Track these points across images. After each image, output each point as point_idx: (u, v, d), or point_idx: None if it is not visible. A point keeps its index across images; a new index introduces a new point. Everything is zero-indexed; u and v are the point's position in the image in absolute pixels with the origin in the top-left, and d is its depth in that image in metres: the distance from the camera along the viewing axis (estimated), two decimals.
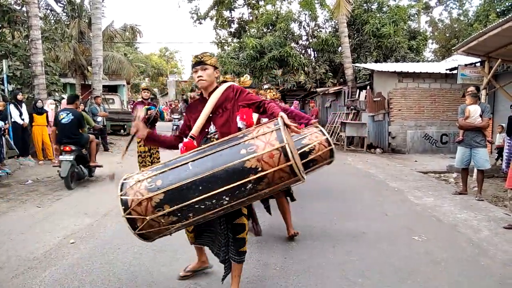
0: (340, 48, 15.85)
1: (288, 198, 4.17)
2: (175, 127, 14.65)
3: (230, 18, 23.08)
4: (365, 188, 6.70)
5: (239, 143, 2.21)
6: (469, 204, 5.52)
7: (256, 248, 3.71)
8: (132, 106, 7.53)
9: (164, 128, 14.10)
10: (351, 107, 14.15)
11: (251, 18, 22.00)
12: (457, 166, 6.33)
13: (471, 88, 6.01)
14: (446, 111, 11.73)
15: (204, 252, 3.10)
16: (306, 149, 3.80)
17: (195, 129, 2.58)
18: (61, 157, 6.39)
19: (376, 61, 15.28)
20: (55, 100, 10.97)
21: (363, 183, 7.21)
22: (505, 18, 6.29)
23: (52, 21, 17.65)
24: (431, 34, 23.42)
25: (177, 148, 2.82)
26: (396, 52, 15.68)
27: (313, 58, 17.83)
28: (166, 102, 34.52)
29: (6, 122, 8.23)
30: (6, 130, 8.24)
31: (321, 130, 4.01)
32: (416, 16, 18.90)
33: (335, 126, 15.00)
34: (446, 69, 11.00)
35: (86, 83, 19.72)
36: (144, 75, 42.73)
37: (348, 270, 3.28)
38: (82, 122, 6.74)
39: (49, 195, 6.02)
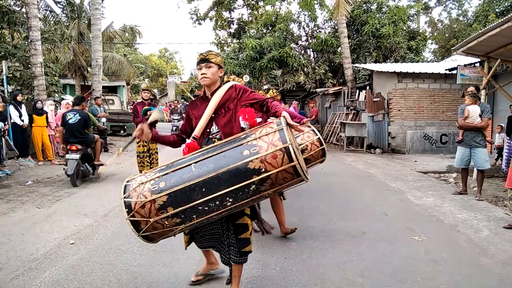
0: (339, 48, 15.85)
1: (281, 196, 4.18)
2: (174, 128, 14.64)
3: (229, 19, 23.07)
4: (365, 188, 6.70)
5: (242, 144, 2.19)
6: (469, 204, 5.52)
7: (256, 248, 3.70)
8: (132, 107, 7.54)
9: (164, 129, 14.12)
10: (351, 108, 14.16)
11: (250, 18, 21.99)
12: (456, 166, 6.33)
13: (471, 88, 6.01)
14: (445, 111, 11.75)
15: (212, 253, 3.02)
16: None
17: (197, 130, 2.56)
18: (67, 156, 6.67)
19: (375, 62, 15.29)
20: (54, 101, 10.99)
21: (363, 183, 7.21)
22: (504, 19, 6.30)
23: (52, 22, 17.66)
24: (431, 34, 23.43)
25: (178, 146, 2.81)
26: (396, 53, 15.69)
27: (313, 59, 17.83)
28: (166, 103, 34.52)
29: (6, 123, 8.23)
30: (6, 131, 8.24)
31: (313, 130, 4.03)
32: (415, 16, 18.90)
33: (334, 127, 15.02)
34: (446, 69, 11.01)
35: (86, 84, 19.75)
36: (143, 76, 42.75)
37: (348, 270, 3.28)
38: (88, 123, 7.05)
39: (49, 196, 6.02)
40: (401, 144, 11.71)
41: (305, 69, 16.96)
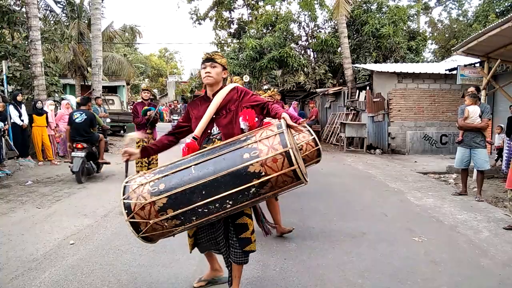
0: (339, 48, 15.85)
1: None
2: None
3: (229, 19, 23.08)
4: (364, 189, 6.70)
5: (242, 147, 2.19)
6: (469, 205, 5.52)
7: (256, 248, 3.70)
8: (132, 107, 7.57)
9: (164, 129, 14.10)
10: (351, 108, 14.15)
11: (250, 18, 21.99)
12: (456, 166, 6.33)
13: (471, 89, 6.01)
14: (445, 112, 11.75)
15: (216, 259, 3.00)
16: None
17: (197, 130, 2.56)
18: (73, 154, 6.96)
19: (375, 62, 15.29)
20: (54, 101, 10.98)
21: (363, 183, 7.21)
22: (504, 19, 6.29)
23: (52, 22, 17.67)
24: (431, 34, 23.43)
25: (173, 145, 2.81)
26: (396, 53, 15.69)
27: (313, 59, 17.83)
28: (166, 103, 34.52)
29: (6, 123, 8.23)
30: (6, 131, 8.24)
31: (308, 130, 4.03)
32: (415, 16, 18.91)
33: (334, 127, 15.01)
34: (446, 70, 11.00)
35: (86, 84, 19.75)
36: (143, 76, 42.74)
37: (347, 271, 3.28)
38: (94, 122, 7.39)
39: (49, 196, 6.02)
40: (401, 144, 11.71)
41: (305, 69, 16.96)
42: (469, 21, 21.19)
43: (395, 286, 3.04)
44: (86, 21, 18.37)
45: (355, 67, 14.75)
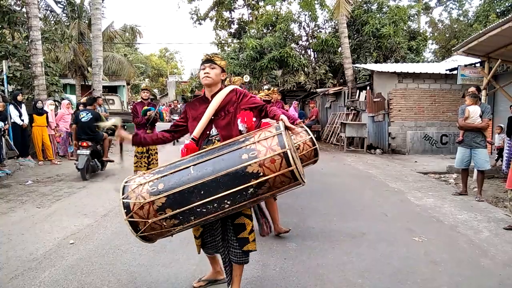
0: (340, 48, 15.84)
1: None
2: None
3: (230, 19, 23.08)
4: (365, 189, 6.70)
5: (241, 148, 2.21)
6: (469, 205, 5.52)
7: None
8: (132, 106, 7.61)
9: (163, 129, 14.09)
10: (351, 108, 14.15)
11: (251, 18, 22.00)
12: (457, 166, 6.32)
13: (472, 89, 6.00)
14: (446, 112, 11.74)
15: (218, 262, 3.00)
16: None
17: (196, 131, 2.59)
18: (78, 152, 7.27)
19: (376, 62, 15.28)
20: (55, 100, 10.98)
21: (363, 183, 7.20)
22: (505, 19, 6.29)
23: (52, 22, 17.67)
24: (431, 34, 23.43)
25: (168, 142, 2.85)
26: (396, 53, 15.68)
27: (313, 59, 17.83)
28: (166, 103, 34.52)
29: (6, 122, 8.24)
30: (6, 131, 8.24)
31: (306, 130, 4.02)
32: (416, 16, 18.90)
33: (335, 127, 15.01)
34: (446, 70, 10.99)
35: (86, 83, 19.77)
36: (144, 76, 42.75)
37: (347, 271, 3.28)
38: (99, 121, 7.49)
39: (49, 195, 6.02)
40: (401, 144, 11.70)
41: (306, 69, 16.95)
42: (469, 21, 21.20)
43: (395, 286, 3.03)
44: (87, 21, 18.38)
45: (356, 67, 14.74)
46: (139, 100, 7.14)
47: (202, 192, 2.16)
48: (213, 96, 2.63)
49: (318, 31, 17.78)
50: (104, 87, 17.13)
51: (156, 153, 6.96)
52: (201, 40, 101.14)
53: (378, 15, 15.82)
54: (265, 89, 17.54)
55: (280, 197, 4.92)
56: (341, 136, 12.98)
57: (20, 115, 8.77)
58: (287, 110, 8.82)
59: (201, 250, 2.78)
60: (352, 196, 6.18)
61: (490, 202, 5.75)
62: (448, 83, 11.60)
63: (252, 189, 2.16)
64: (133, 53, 35.47)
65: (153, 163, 6.91)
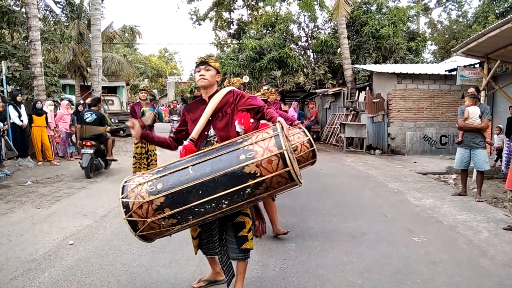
0: (339, 49, 15.86)
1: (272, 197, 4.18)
2: (174, 129, 14.60)
3: (229, 19, 23.10)
4: (364, 189, 6.70)
5: (238, 148, 2.25)
6: (469, 205, 5.52)
7: (255, 249, 3.67)
8: (130, 107, 7.65)
9: (163, 129, 14.09)
10: (351, 108, 14.15)
11: (250, 19, 22.01)
12: (456, 167, 6.33)
13: (471, 90, 6.01)
14: (445, 112, 11.75)
15: (217, 262, 2.97)
16: None
17: (195, 132, 2.62)
18: (82, 151, 7.49)
19: (375, 62, 15.30)
20: (54, 101, 10.97)
21: (362, 184, 7.20)
22: (504, 20, 6.30)
23: (51, 22, 17.67)
24: (430, 35, 23.47)
25: (172, 149, 2.84)
26: (395, 53, 15.70)
27: (312, 59, 17.84)
28: (165, 104, 34.50)
29: (5, 123, 8.23)
30: (5, 131, 8.23)
31: (304, 131, 4.02)
32: (415, 17, 18.93)
33: (334, 127, 15.01)
34: (445, 70, 11.01)
35: (86, 84, 19.77)
36: (143, 76, 42.74)
37: (347, 271, 3.28)
38: (103, 122, 7.90)
39: (48, 196, 6.01)
40: (401, 145, 11.71)
41: (305, 69, 16.97)
42: (468, 22, 21.25)
43: (395, 287, 3.03)
44: (86, 22, 18.38)
45: (355, 67, 14.76)
46: (137, 101, 7.14)
47: (200, 192, 2.19)
48: (210, 97, 2.67)
49: (317, 31, 17.80)
50: (103, 87, 17.15)
51: (155, 154, 6.96)
52: (201, 40, 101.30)
53: (377, 16, 15.84)
54: (265, 89, 17.54)
55: (280, 198, 4.92)
56: (340, 137, 12.99)
57: (20, 116, 8.76)
58: (286, 111, 8.82)
59: (198, 250, 2.80)
60: (352, 196, 6.18)
61: (490, 202, 5.75)
62: (448, 84, 11.62)
63: (249, 189, 2.19)
64: (132, 54, 35.48)
65: (152, 163, 6.91)
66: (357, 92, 14.14)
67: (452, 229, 4.49)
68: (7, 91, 9.81)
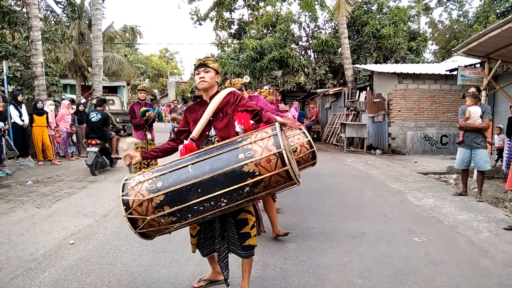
0: (340, 49, 15.84)
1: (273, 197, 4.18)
2: (175, 129, 14.58)
3: (230, 19, 23.08)
4: (365, 189, 6.69)
5: (238, 148, 2.27)
6: (469, 205, 5.52)
7: (255, 249, 3.70)
8: (129, 107, 7.67)
9: (163, 129, 14.10)
10: (351, 108, 14.14)
11: (251, 19, 21.99)
12: (457, 167, 6.32)
13: (472, 89, 6.00)
14: (446, 112, 11.73)
15: (217, 262, 3.02)
16: None
17: (195, 132, 2.64)
18: (88, 149, 7.83)
19: (376, 62, 15.28)
20: (55, 101, 10.98)
21: (363, 184, 7.20)
22: (505, 19, 6.29)
23: (52, 22, 17.69)
24: (431, 35, 23.45)
25: (175, 151, 2.84)
26: (396, 53, 15.68)
27: (313, 59, 17.82)
28: (166, 103, 34.53)
29: (6, 123, 8.24)
30: (6, 131, 8.25)
31: (304, 132, 4.02)
32: (416, 17, 18.90)
33: (335, 127, 15.01)
34: (446, 70, 10.99)
35: (86, 84, 19.80)
36: (144, 76, 42.77)
37: (347, 271, 3.28)
38: (108, 121, 8.24)
39: (49, 196, 6.02)
40: (401, 145, 11.70)
41: (306, 69, 16.95)
42: (469, 21, 21.22)
43: (395, 287, 3.03)
44: (87, 22, 18.41)
45: (356, 67, 14.75)
46: (136, 101, 7.14)
47: (199, 190, 2.22)
48: (211, 98, 2.69)
49: (318, 31, 17.78)
50: (104, 87, 17.13)
51: None
52: (202, 40, 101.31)
53: (378, 16, 15.82)
54: (265, 89, 17.55)
55: (280, 198, 4.94)
56: (341, 137, 12.98)
57: (20, 115, 8.78)
58: (286, 111, 8.81)
59: (196, 249, 2.80)
60: (352, 196, 6.18)
61: (490, 202, 5.75)
62: (448, 84, 11.60)
63: (248, 188, 2.22)
64: (133, 54, 35.52)
65: (152, 163, 6.92)
66: (358, 92, 14.13)
67: (452, 229, 4.49)
68: (8, 91, 9.82)
